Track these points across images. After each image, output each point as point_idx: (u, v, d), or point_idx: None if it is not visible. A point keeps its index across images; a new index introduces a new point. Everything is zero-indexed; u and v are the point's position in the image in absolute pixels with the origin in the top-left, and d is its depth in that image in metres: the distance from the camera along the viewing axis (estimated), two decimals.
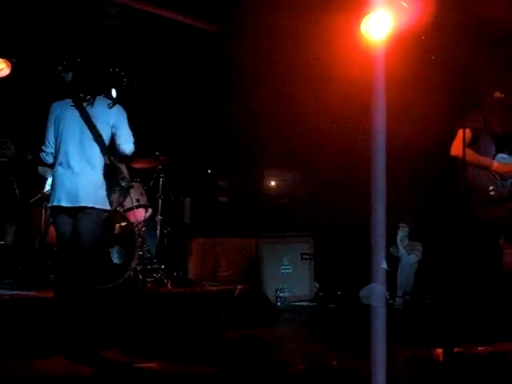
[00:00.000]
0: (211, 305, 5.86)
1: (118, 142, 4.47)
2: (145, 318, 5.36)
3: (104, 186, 4.43)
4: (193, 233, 7.61)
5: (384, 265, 2.63)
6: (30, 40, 5.75)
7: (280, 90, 6.96)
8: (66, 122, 4.47)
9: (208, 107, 7.92)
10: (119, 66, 6.81)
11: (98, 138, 4.39)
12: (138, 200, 6.62)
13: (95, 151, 4.40)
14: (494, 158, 5.13)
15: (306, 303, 6.65)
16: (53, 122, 4.49)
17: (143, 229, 6.78)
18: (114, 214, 6.12)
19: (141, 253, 6.50)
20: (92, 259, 4.50)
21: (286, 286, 6.55)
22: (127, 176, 4.56)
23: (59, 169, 4.43)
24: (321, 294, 6.94)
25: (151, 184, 6.99)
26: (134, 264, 6.14)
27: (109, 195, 4.46)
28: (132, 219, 6.40)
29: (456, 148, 5.08)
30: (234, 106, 7.65)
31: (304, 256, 6.85)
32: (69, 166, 4.40)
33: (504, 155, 5.18)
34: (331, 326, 5.82)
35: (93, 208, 4.38)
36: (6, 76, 5.43)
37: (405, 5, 4.53)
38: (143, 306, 5.56)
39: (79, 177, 4.37)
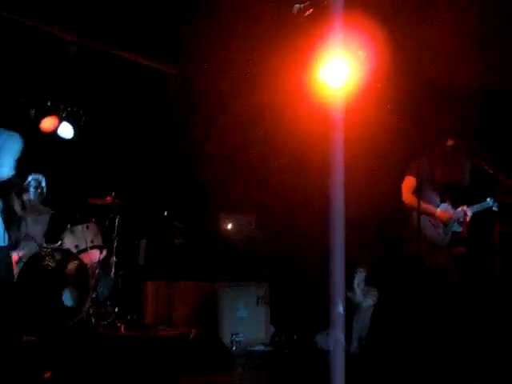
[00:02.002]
0: (166, 349, 5.76)
1: None
2: (97, 362, 5.24)
3: None
4: (148, 275, 7.50)
5: (340, 309, 2.64)
6: None
7: (236, 134, 7.03)
8: None
9: (165, 149, 7.92)
10: (77, 105, 6.82)
11: None
12: (92, 241, 6.52)
13: None
14: (437, 206, 5.31)
15: (261, 348, 6.58)
16: None
17: (97, 271, 6.65)
18: (67, 255, 6.01)
19: (94, 295, 6.37)
20: None
21: (241, 331, 6.46)
22: (17, 208, 4.37)
23: None
24: (277, 338, 6.87)
25: (107, 224, 6.90)
26: (86, 306, 6.01)
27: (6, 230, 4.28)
28: (86, 260, 6.28)
29: (403, 195, 5.29)
30: (190, 149, 7.67)
31: (260, 300, 6.81)
32: None
33: (446, 204, 5.36)
34: (286, 371, 5.76)
35: None
36: None
37: (361, 54, 4.65)
38: (96, 350, 5.43)
39: None
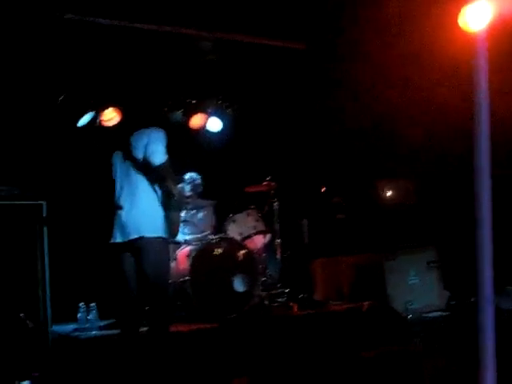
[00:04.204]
0: (340, 324, 5.79)
1: None
2: (274, 343, 5.38)
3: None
4: (313, 253, 7.56)
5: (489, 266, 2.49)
6: (134, 85, 6.02)
7: (380, 101, 6.81)
8: None
9: (314, 126, 7.90)
10: (222, 98, 7.01)
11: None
12: (255, 227, 6.69)
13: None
14: None
15: (437, 313, 6.37)
16: None
17: (263, 255, 6.83)
18: (233, 243, 6.21)
19: (264, 279, 6.54)
20: (162, 293, 4.55)
21: (414, 298, 6.30)
22: (175, 191, 4.64)
23: None
24: (453, 302, 6.61)
25: (267, 209, 7.04)
26: (258, 291, 6.18)
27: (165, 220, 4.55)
28: (252, 246, 6.45)
29: None
30: (338, 122, 7.58)
31: (430, 264, 6.59)
32: None
33: None
34: (467, 336, 5.52)
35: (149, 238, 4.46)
36: (117, 123, 5.69)
37: None
38: (272, 332, 5.58)
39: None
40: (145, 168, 4.54)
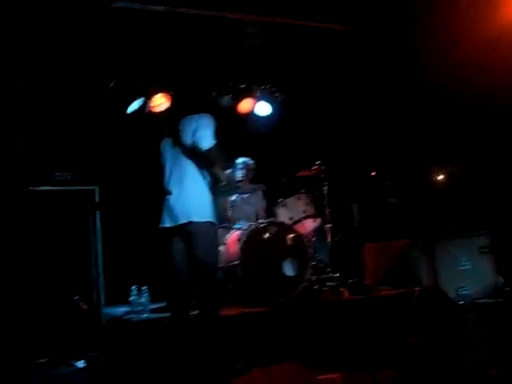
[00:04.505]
0: (390, 309, 5.75)
1: None
2: (324, 327, 5.38)
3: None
4: (364, 238, 7.50)
5: None
6: (182, 71, 6.07)
7: (433, 83, 6.67)
8: None
9: (364, 109, 7.82)
10: (269, 82, 7.00)
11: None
12: (305, 211, 6.67)
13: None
14: None
15: (490, 300, 6.25)
16: None
17: (313, 239, 6.81)
18: (283, 228, 6.21)
19: (314, 263, 6.52)
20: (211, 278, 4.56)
21: (466, 284, 6.20)
22: (222, 177, 4.66)
23: None
24: (506, 288, 6.48)
25: (317, 193, 7.01)
26: (308, 275, 6.17)
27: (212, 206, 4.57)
28: (301, 231, 6.44)
29: None
30: (389, 106, 7.48)
31: (483, 250, 6.46)
32: None
33: None
34: None
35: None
36: (166, 109, 5.75)
37: None
38: (322, 316, 5.58)
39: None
40: (193, 153, 4.57)
